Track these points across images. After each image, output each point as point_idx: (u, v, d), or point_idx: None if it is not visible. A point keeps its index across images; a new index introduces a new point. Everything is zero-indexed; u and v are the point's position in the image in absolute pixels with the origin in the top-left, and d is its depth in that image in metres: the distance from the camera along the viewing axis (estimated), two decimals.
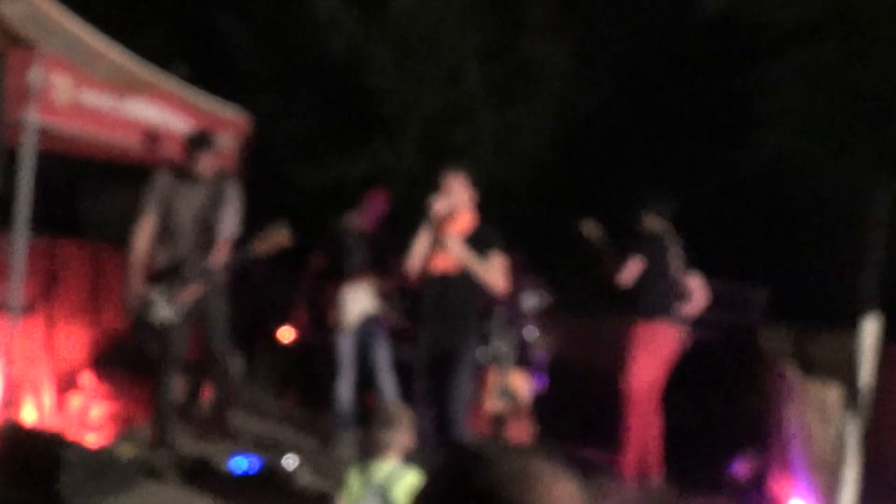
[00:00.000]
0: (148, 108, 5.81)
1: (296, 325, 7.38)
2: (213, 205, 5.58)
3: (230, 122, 6.72)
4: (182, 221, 5.57)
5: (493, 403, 6.00)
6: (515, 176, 8.71)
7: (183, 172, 5.63)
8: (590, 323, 7.51)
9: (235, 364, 6.75)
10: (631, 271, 5.88)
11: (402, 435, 3.77)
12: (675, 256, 5.99)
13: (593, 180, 8.84)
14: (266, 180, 7.81)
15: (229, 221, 5.59)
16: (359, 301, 6.06)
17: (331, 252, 6.22)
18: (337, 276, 6.13)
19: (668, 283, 5.93)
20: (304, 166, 8.81)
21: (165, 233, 5.58)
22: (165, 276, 5.50)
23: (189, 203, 5.59)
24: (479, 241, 5.07)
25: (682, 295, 5.99)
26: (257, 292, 7.62)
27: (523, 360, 6.41)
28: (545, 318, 6.73)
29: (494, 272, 5.03)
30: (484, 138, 8.74)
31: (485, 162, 8.33)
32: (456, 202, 5.10)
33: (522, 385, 6.15)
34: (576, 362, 7.12)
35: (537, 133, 8.84)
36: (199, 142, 5.59)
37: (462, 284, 5.05)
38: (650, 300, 5.87)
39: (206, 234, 5.57)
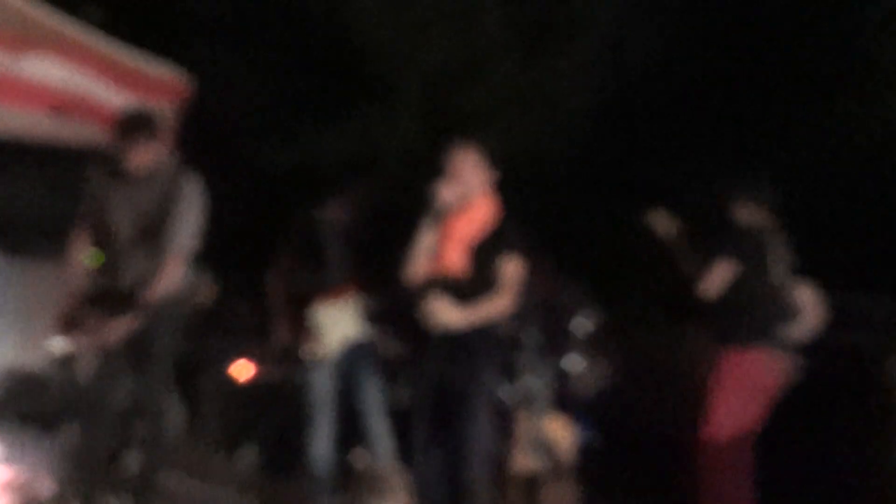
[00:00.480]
0: (53, 68, 5.83)
1: (256, 357, 7.38)
2: (161, 208, 5.53)
3: (162, 84, 6.78)
4: (118, 231, 5.55)
5: (523, 461, 6.02)
6: (550, 152, 8.71)
7: (116, 164, 5.58)
8: (655, 349, 7.49)
9: (174, 411, 6.69)
10: (718, 279, 5.81)
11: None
12: (777, 260, 5.95)
13: (654, 156, 8.84)
14: (212, 163, 7.78)
15: (184, 230, 5.52)
16: (340, 322, 6.06)
17: (302, 257, 6.23)
18: (310, 288, 6.14)
19: (769, 295, 5.89)
20: (265, 143, 8.85)
21: (98, 246, 5.60)
22: (97, 303, 5.51)
23: (127, 206, 5.55)
24: (497, 244, 5.15)
25: (786, 312, 5.95)
26: (202, 314, 7.58)
27: (564, 401, 6.40)
28: (594, 343, 6.74)
29: (501, 300, 5.12)
30: (507, 102, 8.76)
31: (508, 134, 8.33)
32: (469, 189, 5.17)
33: (563, 435, 6.16)
34: (636, 403, 7.09)
35: (578, 93, 8.85)
36: (132, 125, 5.54)
37: (476, 297, 5.09)
38: (744, 319, 5.83)
39: (150, 247, 5.52)
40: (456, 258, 5.11)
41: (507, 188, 5.34)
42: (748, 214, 6.00)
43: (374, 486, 3.85)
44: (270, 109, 9.24)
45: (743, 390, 5.79)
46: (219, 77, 7.73)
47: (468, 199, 5.15)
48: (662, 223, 6.03)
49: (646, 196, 6.37)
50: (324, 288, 6.09)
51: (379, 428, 6.06)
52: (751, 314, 5.83)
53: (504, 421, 6.15)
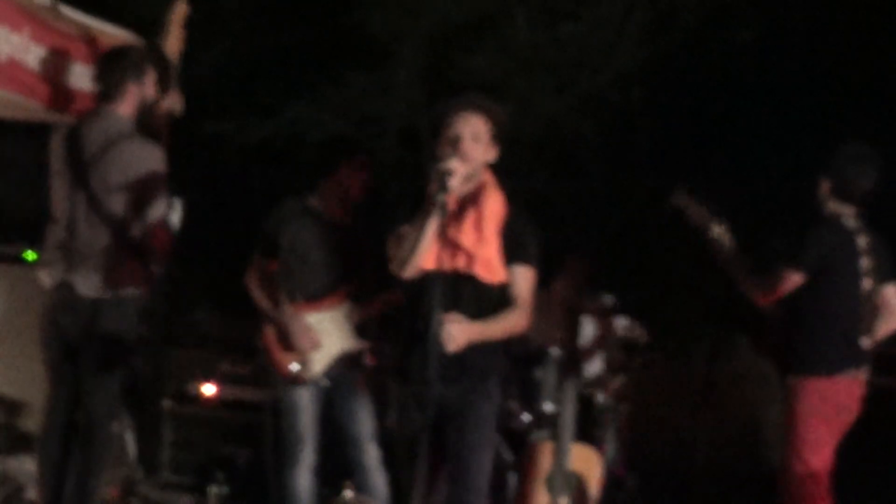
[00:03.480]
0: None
1: (224, 375, 7.60)
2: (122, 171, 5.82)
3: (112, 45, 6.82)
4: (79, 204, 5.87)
5: (543, 497, 6.07)
6: (576, 125, 8.65)
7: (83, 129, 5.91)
8: (703, 367, 7.56)
9: (123, 440, 6.88)
10: (788, 285, 5.86)
11: None
12: (868, 262, 5.98)
13: (709, 132, 8.83)
14: (173, 136, 7.95)
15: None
16: (326, 334, 6.18)
17: (279, 253, 6.29)
18: (289, 291, 6.24)
19: (856, 310, 5.94)
20: (235, 114, 8.92)
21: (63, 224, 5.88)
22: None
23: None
24: (514, 243, 5.18)
25: (868, 325, 6.01)
26: (156, 320, 7.76)
27: (591, 428, 6.53)
28: (626, 360, 6.85)
29: (516, 316, 5.16)
30: (520, 69, 8.73)
31: (525, 103, 8.34)
32: (477, 165, 5.15)
33: (590, 468, 6.20)
34: (676, 431, 7.16)
35: (613, 54, 8.81)
36: (118, 65, 5.93)
37: (470, 299, 5.11)
38: (828, 343, 5.87)
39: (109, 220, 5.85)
40: (462, 256, 5.11)
41: (517, 170, 5.35)
42: (834, 205, 5.97)
43: None
44: (241, 75, 9.29)
45: (831, 419, 5.88)
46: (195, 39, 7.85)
47: (473, 180, 5.15)
48: (686, 202, 6.04)
49: (692, 183, 6.37)
50: (309, 295, 6.18)
51: (371, 458, 6.15)
52: (837, 335, 5.86)
53: (520, 451, 6.33)
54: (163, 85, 6.19)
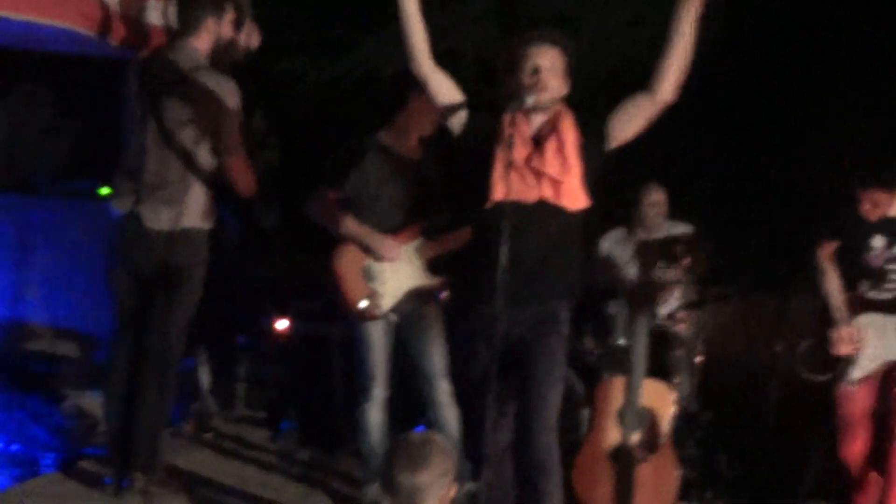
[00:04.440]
0: None
1: (298, 311, 7.64)
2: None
3: None
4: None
5: (612, 433, 6.08)
6: (651, 61, 8.57)
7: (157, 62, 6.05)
8: (778, 303, 7.48)
9: (198, 374, 6.97)
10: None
11: (436, 484, 3.91)
12: None
13: (787, 74, 8.70)
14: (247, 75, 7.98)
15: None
16: (396, 270, 6.18)
17: (345, 185, 6.26)
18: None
19: None
20: (315, 54, 8.91)
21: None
22: None
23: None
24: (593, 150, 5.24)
25: None
26: (230, 262, 7.83)
27: (663, 362, 6.52)
28: (701, 294, 6.83)
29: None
30: (603, 4, 8.65)
31: (598, 37, 8.25)
32: (554, 96, 5.19)
33: (663, 403, 6.18)
34: (751, 368, 7.11)
35: None
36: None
37: (552, 228, 5.17)
38: None
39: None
40: (548, 185, 5.16)
41: (595, 107, 5.30)
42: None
43: (409, 458, 3.96)
44: (321, 14, 9.28)
45: None
46: None
47: (550, 111, 5.19)
48: None
49: (784, 138, 6.28)
50: (377, 227, 6.15)
51: (444, 395, 6.17)
52: None
53: (592, 386, 6.31)
54: (239, 20, 6.22)
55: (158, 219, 5.89)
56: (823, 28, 8.46)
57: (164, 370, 6.03)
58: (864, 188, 6.12)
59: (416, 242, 6.21)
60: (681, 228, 6.98)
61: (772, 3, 8.62)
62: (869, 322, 6.14)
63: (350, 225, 6.13)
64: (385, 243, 6.07)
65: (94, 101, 8.88)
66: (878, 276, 6.15)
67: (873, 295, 6.15)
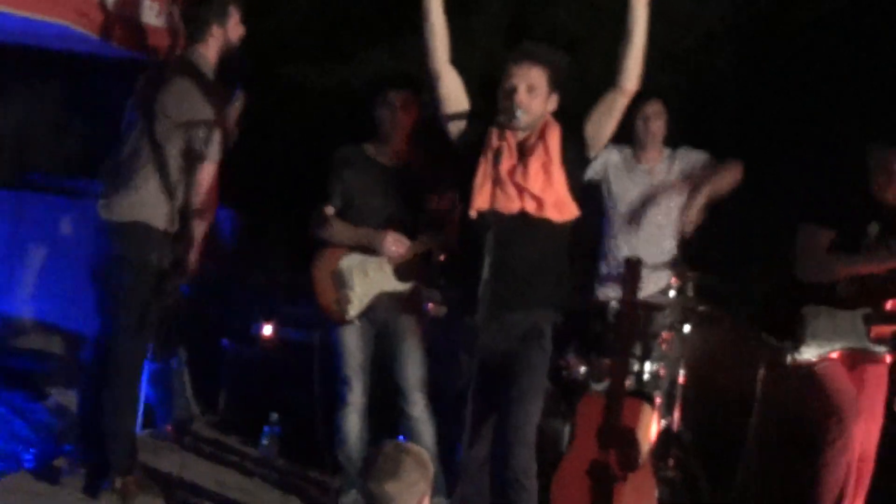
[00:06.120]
0: None
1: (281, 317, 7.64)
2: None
3: None
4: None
5: (592, 450, 6.01)
6: (659, 84, 8.54)
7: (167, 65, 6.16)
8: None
9: (183, 379, 6.97)
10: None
11: (406, 494, 3.90)
12: None
13: (795, 102, 8.66)
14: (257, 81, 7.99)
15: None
16: (366, 275, 6.20)
17: (335, 200, 6.31)
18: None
19: None
20: (317, 61, 8.90)
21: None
22: None
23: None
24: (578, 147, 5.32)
25: None
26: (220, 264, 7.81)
27: (648, 382, 6.49)
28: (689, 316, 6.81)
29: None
30: (611, 19, 8.62)
31: (607, 57, 8.21)
32: (536, 115, 5.24)
33: (644, 422, 6.14)
34: (735, 392, 7.10)
35: (701, 12, 8.67)
36: (202, 7, 6.06)
37: (537, 239, 5.21)
38: None
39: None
40: (530, 199, 5.19)
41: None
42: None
43: (383, 468, 3.95)
44: (322, 25, 9.27)
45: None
46: None
47: (535, 128, 5.24)
48: None
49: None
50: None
51: (417, 408, 6.18)
52: None
53: (571, 403, 6.29)
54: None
55: (110, 209, 5.91)
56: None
57: (118, 370, 5.98)
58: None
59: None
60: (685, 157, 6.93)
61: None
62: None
63: (348, 232, 6.17)
64: (385, 238, 6.09)
65: (103, 100, 8.90)
66: None
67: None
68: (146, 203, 5.88)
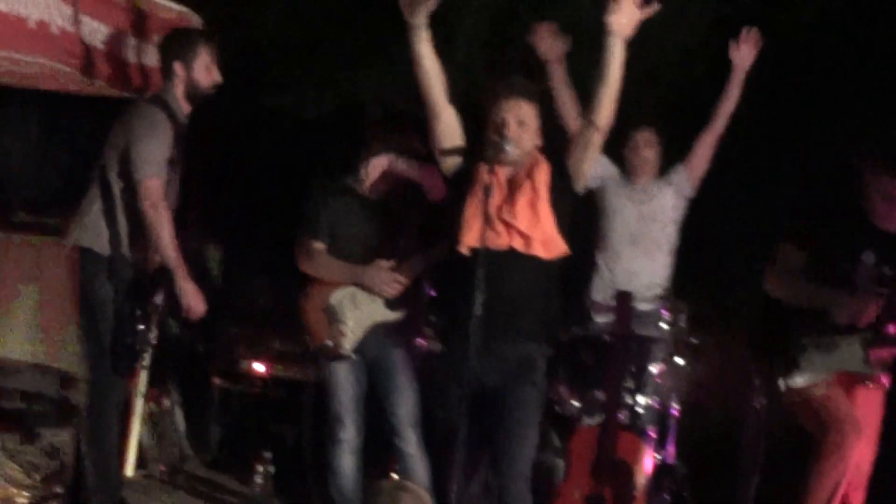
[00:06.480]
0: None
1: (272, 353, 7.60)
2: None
3: (168, 22, 6.85)
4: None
5: (588, 484, 6.03)
6: (637, 102, 8.51)
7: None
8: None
9: (173, 416, 6.94)
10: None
11: None
12: None
13: (772, 116, 8.66)
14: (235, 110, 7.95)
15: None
16: (358, 308, 6.17)
17: (320, 233, 6.29)
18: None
19: None
20: (294, 88, 8.89)
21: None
22: None
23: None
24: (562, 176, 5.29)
25: None
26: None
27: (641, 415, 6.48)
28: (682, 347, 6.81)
29: None
30: (589, 39, 8.60)
31: (587, 79, 8.19)
32: (525, 149, 5.23)
33: (637, 456, 6.15)
34: (728, 424, 7.09)
35: (675, 28, 8.63)
36: (164, 45, 6.14)
37: (527, 275, 5.17)
38: None
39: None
40: (517, 236, 5.17)
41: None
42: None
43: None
44: (300, 48, 9.24)
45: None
46: (235, 14, 7.77)
47: (524, 162, 5.23)
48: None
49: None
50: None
51: (409, 444, 6.15)
52: None
53: (564, 436, 6.32)
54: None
55: (66, 235, 5.95)
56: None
57: (86, 402, 5.96)
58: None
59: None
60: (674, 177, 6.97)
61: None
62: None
63: (337, 270, 6.17)
64: (376, 278, 6.09)
65: (83, 134, 8.88)
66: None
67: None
68: (87, 227, 5.88)
